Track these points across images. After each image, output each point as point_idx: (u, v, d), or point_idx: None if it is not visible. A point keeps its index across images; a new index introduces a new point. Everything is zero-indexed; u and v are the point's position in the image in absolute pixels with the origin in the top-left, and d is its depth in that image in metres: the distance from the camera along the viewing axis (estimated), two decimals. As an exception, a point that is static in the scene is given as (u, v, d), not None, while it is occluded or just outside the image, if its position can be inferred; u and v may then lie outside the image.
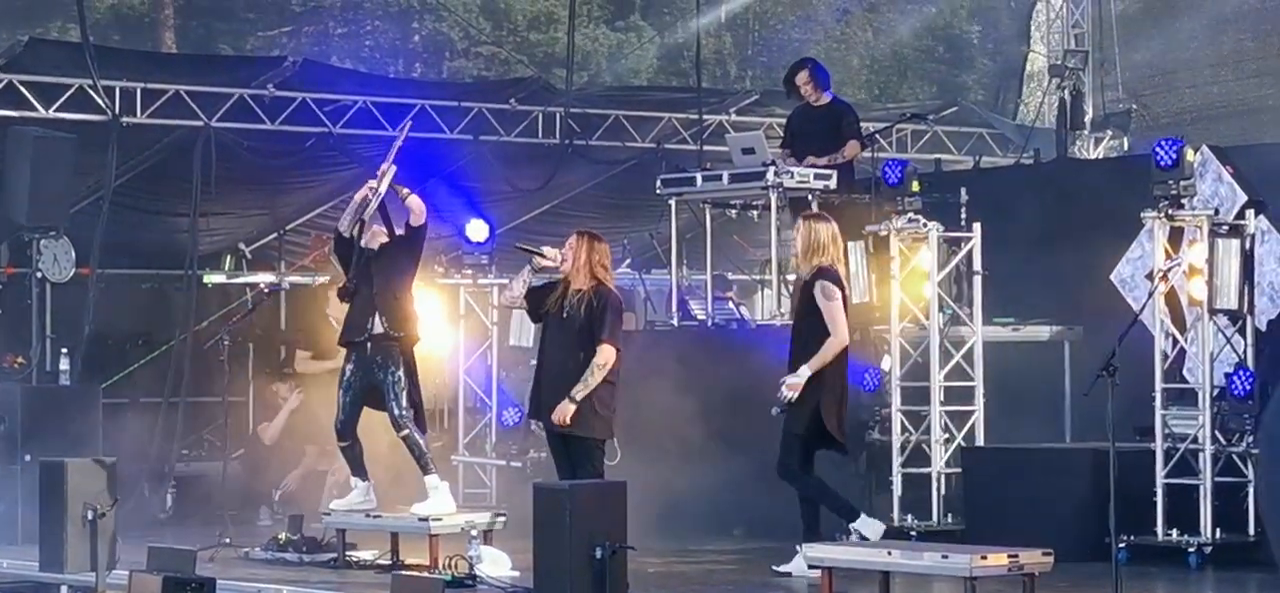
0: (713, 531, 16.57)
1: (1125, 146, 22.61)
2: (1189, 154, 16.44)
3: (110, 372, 20.51)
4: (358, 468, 15.77)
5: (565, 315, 14.02)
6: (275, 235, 22.26)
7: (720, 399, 17.38)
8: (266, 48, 28.53)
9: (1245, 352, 15.82)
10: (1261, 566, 14.75)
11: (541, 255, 14.25)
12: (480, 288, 20.42)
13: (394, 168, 15.37)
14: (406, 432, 15.50)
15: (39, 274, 19.83)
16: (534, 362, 15.16)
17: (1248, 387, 15.28)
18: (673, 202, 19.37)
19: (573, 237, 14.44)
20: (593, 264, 14.18)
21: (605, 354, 13.90)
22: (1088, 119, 23.27)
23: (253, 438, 21.10)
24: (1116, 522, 12.91)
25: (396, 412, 15.44)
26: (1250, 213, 16.00)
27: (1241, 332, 15.90)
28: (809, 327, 14.71)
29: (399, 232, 15.56)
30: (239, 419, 21.14)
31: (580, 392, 13.76)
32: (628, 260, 20.58)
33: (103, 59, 20.47)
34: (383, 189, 15.27)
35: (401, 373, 15.42)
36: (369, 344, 15.46)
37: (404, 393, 15.43)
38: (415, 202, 15.44)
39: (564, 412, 13.70)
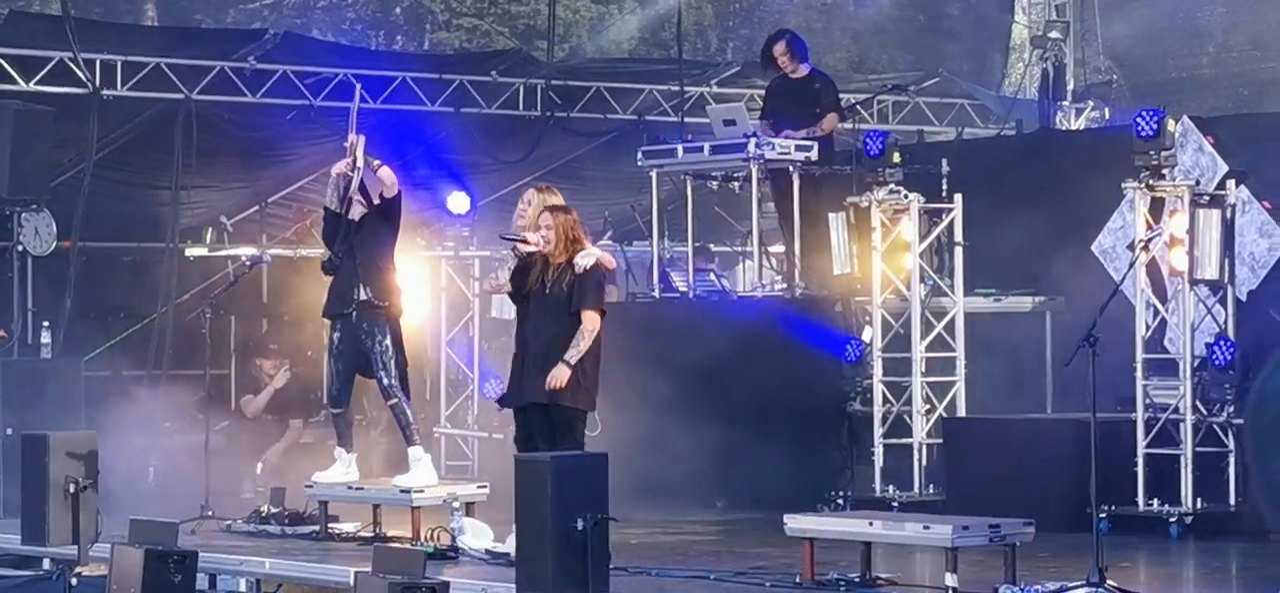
0: (695, 502, 16.60)
1: (1106, 117, 22.66)
2: (1170, 125, 16.52)
3: (92, 345, 20.57)
4: (344, 438, 15.80)
5: (547, 291, 14.00)
6: (257, 208, 22.29)
7: (702, 371, 17.43)
8: (247, 21, 28.50)
9: (1226, 322, 15.90)
10: (1242, 535, 14.82)
11: (525, 242, 14.20)
12: (462, 260, 20.48)
13: (362, 137, 15.35)
14: (395, 400, 15.53)
15: (20, 247, 19.89)
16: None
17: (1228, 357, 15.35)
18: (654, 173, 19.46)
19: (545, 212, 14.36)
20: (565, 236, 14.15)
21: (591, 320, 13.81)
22: (1069, 90, 23.32)
23: (235, 411, 21.16)
24: (1097, 492, 12.95)
25: (385, 381, 15.49)
26: (1231, 183, 16.07)
27: (1222, 302, 15.99)
28: None
29: (376, 201, 15.56)
30: (221, 392, 21.20)
31: (573, 355, 13.67)
32: (609, 232, 20.59)
33: (83, 32, 20.45)
34: (360, 162, 15.26)
35: (388, 342, 15.45)
36: (355, 313, 15.49)
37: (392, 362, 15.47)
38: (386, 173, 15.40)
39: (559, 376, 13.62)
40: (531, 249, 13.96)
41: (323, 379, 20.99)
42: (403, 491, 15.28)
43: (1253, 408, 14.86)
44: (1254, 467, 14.94)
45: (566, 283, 13.83)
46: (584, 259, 13.73)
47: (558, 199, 14.46)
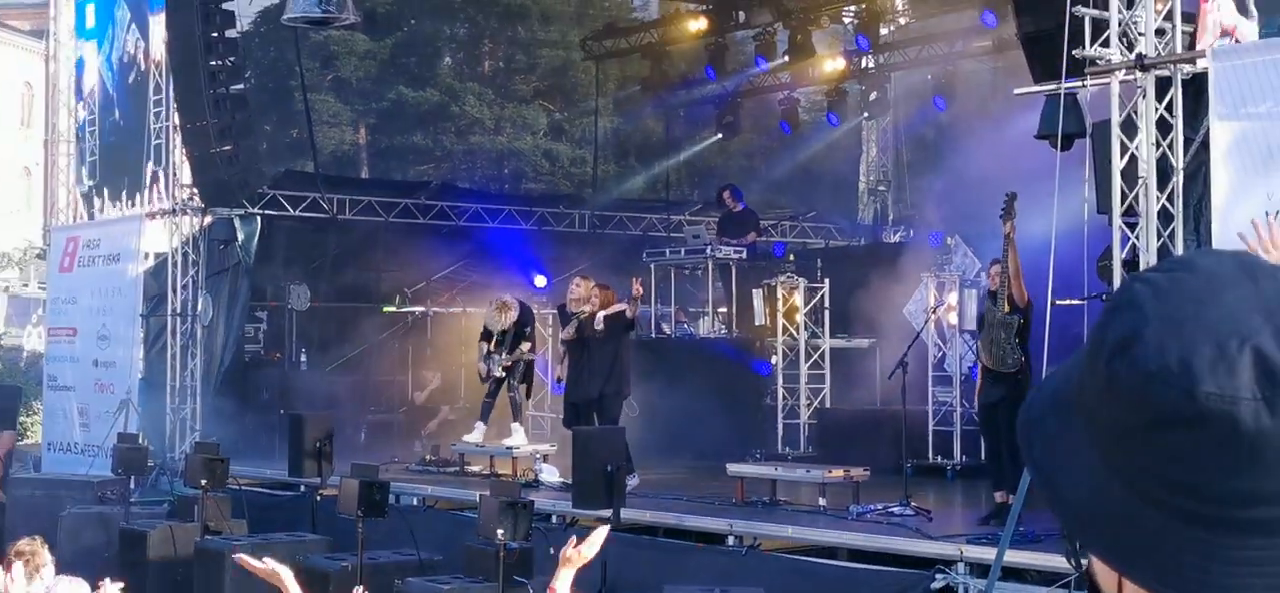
0: (672, 456, 16.54)
1: (912, 235, 22.72)
2: (948, 240, 16.64)
3: (330, 361, 20.66)
4: (485, 416, 15.87)
5: (596, 336, 14.18)
6: (424, 283, 22.34)
7: (677, 380, 17.46)
8: (420, 175, 28.58)
9: (978, 354, 15.97)
10: (986, 477, 14.81)
11: (583, 312, 14.36)
12: (542, 312, 20.63)
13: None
14: (514, 394, 15.66)
15: (289, 305, 20.02)
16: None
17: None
18: (653, 266, 19.55)
19: (595, 289, 14.54)
20: (603, 302, 14.36)
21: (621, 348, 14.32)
22: (891, 220, 23.38)
23: (410, 400, 21.22)
24: (905, 451, 13.06)
25: (514, 382, 15.65)
26: (983, 274, 16.15)
27: (978, 342, 16.07)
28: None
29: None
30: (403, 389, 21.31)
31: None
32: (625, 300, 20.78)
33: (327, 182, 20.73)
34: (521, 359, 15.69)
35: (522, 365, 15.65)
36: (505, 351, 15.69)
37: (520, 374, 15.66)
38: (530, 353, 15.89)
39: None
40: (585, 313, 14.16)
41: (461, 385, 21.06)
42: (507, 447, 15.36)
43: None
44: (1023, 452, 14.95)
45: (603, 331, 14.06)
46: (598, 323, 14.02)
47: (590, 283, 14.70)
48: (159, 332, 19.43)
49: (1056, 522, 1.28)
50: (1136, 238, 10.30)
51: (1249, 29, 10.26)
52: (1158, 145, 10.31)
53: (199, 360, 18.83)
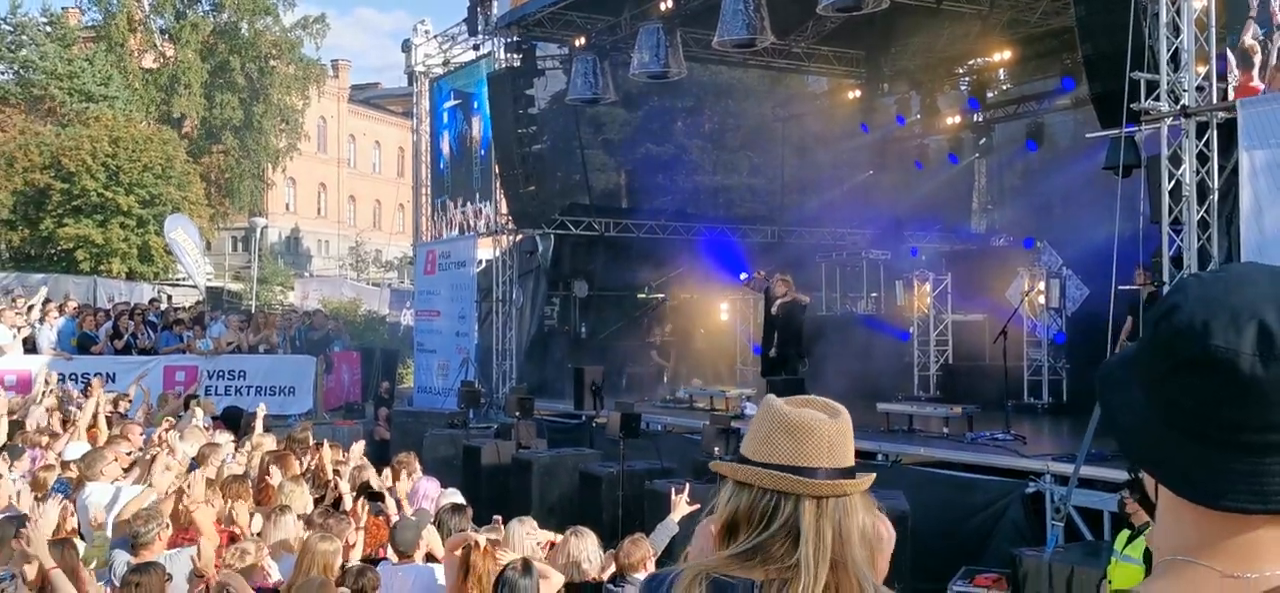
0: (836, 397, 16.05)
1: (1011, 240, 21.81)
2: (1037, 244, 15.99)
3: (601, 331, 20.90)
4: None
5: (775, 313, 14.04)
6: (664, 278, 22.42)
7: (843, 342, 17.21)
8: (661, 204, 28.71)
9: (1062, 326, 15.34)
10: (1068, 414, 14.23)
11: (774, 295, 14.28)
12: (743, 295, 20.53)
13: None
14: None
15: (573, 294, 20.33)
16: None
17: (1061, 340, 14.91)
18: (823, 264, 19.42)
19: (781, 280, 14.39)
20: (785, 286, 14.19)
21: (798, 323, 13.99)
22: (996, 228, 22.53)
23: (655, 359, 21.36)
24: (1006, 392, 12.65)
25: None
26: (1064, 267, 15.51)
27: (1060, 316, 15.44)
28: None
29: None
30: (650, 351, 21.43)
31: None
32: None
33: (598, 210, 20.86)
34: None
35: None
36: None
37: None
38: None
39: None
40: (769, 293, 14.06)
41: (690, 349, 21.02)
42: (724, 393, 15.33)
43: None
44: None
45: (785, 310, 13.89)
46: (774, 309, 13.84)
47: (771, 276, 14.56)
48: (488, 313, 20.07)
49: (1116, 445, 1.30)
50: (1181, 240, 9.79)
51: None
52: (1197, 172, 9.76)
53: (514, 332, 19.40)
